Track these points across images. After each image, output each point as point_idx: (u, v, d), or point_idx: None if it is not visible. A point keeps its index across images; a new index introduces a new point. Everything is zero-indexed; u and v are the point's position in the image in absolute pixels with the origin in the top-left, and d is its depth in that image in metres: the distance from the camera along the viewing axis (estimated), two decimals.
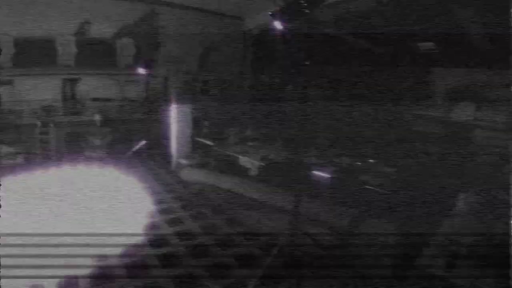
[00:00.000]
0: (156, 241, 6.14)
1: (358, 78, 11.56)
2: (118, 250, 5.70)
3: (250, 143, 10.06)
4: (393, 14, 9.97)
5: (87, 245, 5.89)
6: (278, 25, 4.79)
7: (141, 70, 12.96)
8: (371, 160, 8.03)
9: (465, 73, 10.02)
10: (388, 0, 9.97)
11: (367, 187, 7.07)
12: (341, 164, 8.07)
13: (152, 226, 6.80)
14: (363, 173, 7.49)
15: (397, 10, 9.87)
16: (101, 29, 13.41)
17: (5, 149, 11.67)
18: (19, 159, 11.89)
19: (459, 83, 10.26)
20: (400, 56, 10.73)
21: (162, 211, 7.54)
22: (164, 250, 5.82)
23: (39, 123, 12.56)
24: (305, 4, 4.61)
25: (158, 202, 8.11)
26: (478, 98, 9.63)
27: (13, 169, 11.07)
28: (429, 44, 10.51)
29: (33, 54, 12.22)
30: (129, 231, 6.48)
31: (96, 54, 13.40)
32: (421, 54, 10.68)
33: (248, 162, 8.65)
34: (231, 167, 9.12)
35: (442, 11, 9.23)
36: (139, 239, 6.16)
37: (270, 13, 4.85)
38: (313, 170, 7.44)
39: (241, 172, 8.69)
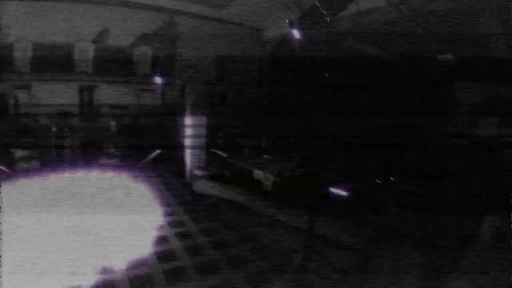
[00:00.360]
0: (163, 255, 5.90)
1: (377, 91, 11.20)
2: (123, 262, 5.50)
3: (266, 156, 9.76)
4: (413, 25, 9.68)
5: (92, 255, 5.74)
6: (296, 34, 4.56)
7: (158, 79, 12.93)
8: (391, 178, 7.63)
9: (488, 86, 9.58)
10: (408, 11, 9.68)
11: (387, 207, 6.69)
12: (360, 181, 7.70)
13: (161, 239, 6.55)
14: (383, 192, 7.10)
15: (418, 22, 9.59)
16: (119, 37, 13.46)
17: (20, 152, 11.72)
18: (34, 163, 11.91)
19: (482, 97, 9.80)
20: (419, 68, 10.37)
21: (172, 224, 7.31)
22: (171, 265, 5.58)
23: (54, 128, 12.59)
24: (325, 12, 4.35)
25: (169, 214, 7.90)
26: (503, 113, 9.16)
27: (27, 172, 11.11)
28: (449, 57, 10.15)
29: (52, 60, 12.34)
30: (136, 243, 6.28)
31: (113, 62, 13.44)
32: (441, 67, 10.31)
33: (263, 176, 8.35)
34: (245, 181, 8.84)
35: (464, 23, 8.92)
36: (146, 252, 5.95)
37: (287, 21, 4.63)
38: (330, 187, 7.09)
39: (255, 186, 8.39)
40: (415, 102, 10.34)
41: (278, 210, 7.05)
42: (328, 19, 4.17)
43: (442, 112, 10.40)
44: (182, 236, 6.70)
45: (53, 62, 12.36)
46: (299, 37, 4.47)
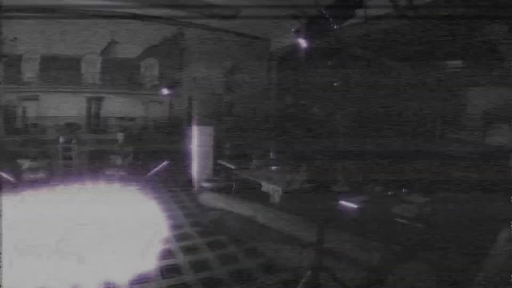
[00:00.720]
0: (168, 269, 5.74)
1: (386, 99, 11.03)
2: (127, 276, 5.35)
3: (274, 168, 9.58)
4: (420, 31, 9.54)
5: (95, 268, 5.62)
6: (302, 42, 4.47)
7: (165, 91, 12.91)
8: (404, 190, 7.41)
9: (498, 92, 9.37)
10: (415, 17, 9.54)
11: (399, 220, 6.46)
12: (371, 193, 7.49)
13: (166, 253, 6.38)
14: (395, 204, 6.88)
15: (425, 28, 9.45)
16: (127, 49, 13.52)
17: (27, 163, 11.73)
18: (41, 174, 11.90)
19: (492, 104, 9.59)
20: (428, 75, 10.21)
21: (178, 237, 7.14)
22: (176, 280, 5.41)
23: (61, 139, 12.62)
24: (332, 19, 4.23)
25: (175, 227, 7.74)
26: None
27: (34, 183, 11.09)
28: (457, 63, 9.98)
29: (60, 71, 12.44)
30: (141, 257, 6.13)
31: (121, 73, 13.49)
32: (449, 73, 10.14)
33: (271, 188, 8.16)
34: (253, 193, 8.66)
35: (471, 27, 8.80)
36: (150, 267, 5.79)
37: (293, 29, 4.53)
38: (340, 199, 6.88)
39: (263, 199, 8.20)
40: (425, 110, 10.18)
41: (286, 223, 6.86)
42: (335, 26, 4.06)
43: (453, 119, 10.22)
44: (187, 250, 6.54)
45: (61, 74, 12.45)
46: (306, 46, 4.36)
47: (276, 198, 7.89)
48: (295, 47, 13.37)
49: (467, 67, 9.88)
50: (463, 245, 5.56)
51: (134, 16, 12.96)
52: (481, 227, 5.85)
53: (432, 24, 9.34)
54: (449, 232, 6.03)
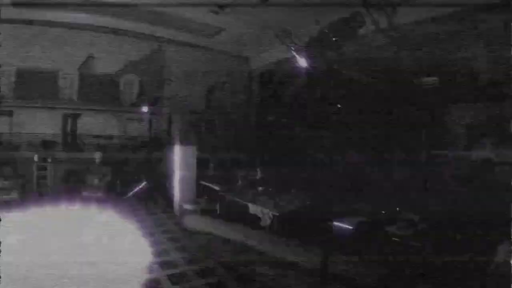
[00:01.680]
0: None
1: (369, 118, 11.06)
2: None
3: (261, 188, 9.31)
4: (400, 50, 9.69)
5: None
6: (302, 61, 4.32)
7: (145, 108, 12.58)
8: (397, 208, 7.31)
9: (478, 108, 9.54)
10: (396, 36, 9.69)
11: (395, 239, 6.32)
12: (363, 212, 7.34)
13: (151, 283, 5.96)
14: (389, 223, 6.73)
15: (405, 45, 9.61)
16: (105, 65, 13.17)
17: (0, 183, 11.07)
18: (14, 195, 11.23)
19: (474, 120, 9.74)
20: (408, 93, 10.33)
21: (163, 265, 6.73)
22: None
23: (36, 157, 12.02)
24: (335, 38, 4.10)
25: (159, 253, 7.31)
26: (496, 134, 9.09)
27: (7, 204, 10.43)
28: (433, 79, 10.15)
29: (35, 86, 11.96)
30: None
31: (99, 89, 13.09)
32: (425, 90, 10.29)
33: (259, 210, 7.88)
34: (240, 216, 8.33)
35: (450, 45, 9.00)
36: None
37: (292, 47, 4.39)
38: (333, 221, 6.67)
39: (251, 221, 7.89)
40: (408, 128, 10.24)
41: (280, 247, 6.59)
42: (336, 45, 3.96)
43: (436, 135, 10.32)
44: (174, 278, 6.14)
45: (37, 88, 11.97)
46: (306, 65, 4.24)
47: (267, 220, 7.62)
48: (278, 66, 13.40)
49: (444, 83, 10.05)
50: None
51: (115, 32, 12.71)
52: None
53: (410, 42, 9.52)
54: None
